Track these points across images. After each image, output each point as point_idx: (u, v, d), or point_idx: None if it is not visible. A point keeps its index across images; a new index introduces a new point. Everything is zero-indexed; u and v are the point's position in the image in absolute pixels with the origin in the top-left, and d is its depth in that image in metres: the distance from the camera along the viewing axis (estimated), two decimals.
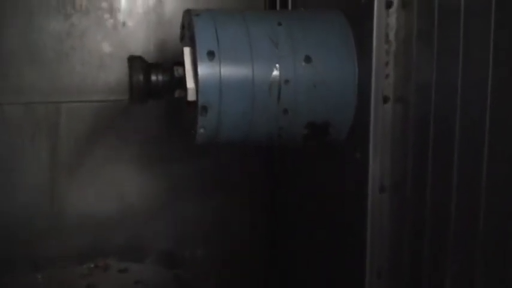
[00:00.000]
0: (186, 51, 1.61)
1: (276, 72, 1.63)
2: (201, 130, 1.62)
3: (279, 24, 1.66)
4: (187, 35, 1.64)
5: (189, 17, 1.62)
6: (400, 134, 1.62)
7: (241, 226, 2.67)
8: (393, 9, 1.60)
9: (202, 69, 1.60)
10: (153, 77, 1.64)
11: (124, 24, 2.49)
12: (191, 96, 1.60)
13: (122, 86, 2.30)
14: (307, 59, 1.65)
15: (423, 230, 1.57)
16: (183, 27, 1.70)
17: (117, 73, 2.46)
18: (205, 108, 1.60)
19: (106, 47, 2.48)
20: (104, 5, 2.46)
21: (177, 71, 1.64)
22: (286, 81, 1.63)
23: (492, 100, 1.30)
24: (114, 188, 2.56)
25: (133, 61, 1.64)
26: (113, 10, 2.47)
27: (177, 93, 1.66)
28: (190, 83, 1.61)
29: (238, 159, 2.56)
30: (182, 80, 1.64)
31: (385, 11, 1.60)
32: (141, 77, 1.62)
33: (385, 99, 1.62)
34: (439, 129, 1.48)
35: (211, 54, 1.60)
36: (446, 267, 1.48)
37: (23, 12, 2.37)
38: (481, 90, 1.32)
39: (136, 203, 2.59)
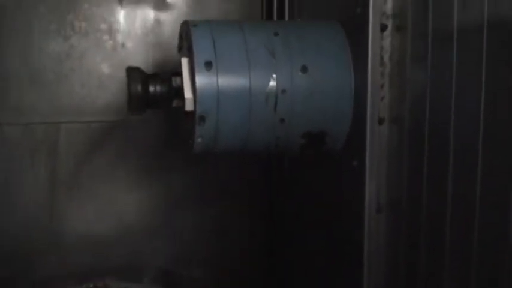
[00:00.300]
0: (184, 61, 1.59)
1: (272, 82, 1.60)
2: (199, 139, 1.59)
3: (276, 34, 1.64)
4: (185, 45, 1.61)
5: (186, 28, 1.59)
6: (395, 153, 1.61)
7: (239, 235, 2.62)
8: (387, 33, 1.60)
9: (200, 79, 1.57)
10: (151, 88, 1.61)
11: (123, 45, 2.46)
12: (189, 106, 1.57)
13: (121, 106, 2.25)
14: (304, 69, 1.62)
15: (419, 245, 1.55)
16: (181, 37, 1.67)
17: (116, 94, 2.44)
18: (203, 118, 1.57)
19: (105, 68, 2.45)
20: (103, 26, 2.44)
21: (175, 81, 1.61)
22: (283, 91, 1.61)
23: (485, 120, 1.30)
24: (112, 207, 2.52)
25: (132, 72, 1.60)
26: (111, 31, 2.45)
27: (175, 103, 1.62)
28: (188, 93, 1.58)
29: (237, 168, 2.51)
30: (180, 90, 1.61)
31: (379, 34, 1.59)
32: (139, 87, 1.58)
33: (381, 121, 1.60)
34: (433, 148, 1.48)
35: (208, 65, 1.58)
36: (442, 282, 1.47)
37: (23, 34, 2.36)
38: (473, 110, 1.32)
39: (134, 221, 2.55)
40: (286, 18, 2.19)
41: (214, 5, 2.50)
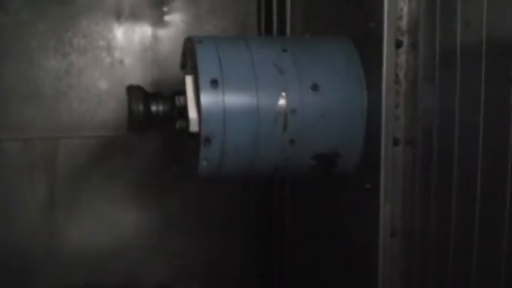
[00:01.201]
0: (188, 79, 1.38)
1: (282, 101, 1.40)
2: (204, 162, 1.40)
3: (284, 50, 1.45)
4: (189, 62, 1.39)
5: (191, 44, 1.38)
6: (410, 176, 1.43)
7: (235, 253, 2.49)
8: (403, 49, 1.40)
9: (205, 98, 1.37)
10: (153, 107, 1.41)
11: (121, 62, 2.32)
12: (193, 127, 1.37)
13: (119, 123, 2.22)
14: (315, 87, 1.43)
15: (429, 271, 1.39)
16: (184, 54, 1.44)
17: (114, 110, 2.31)
18: (208, 139, 1.38)
19: (103, 85, 2.32)
20: (102, 43, 2.31)
21: (179, 101, 1.40)
22: (293, 110, 1.41)
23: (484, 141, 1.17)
24: (110, 223, 2.38)
25: (133, 90, 1.39)
26: (110, 48, 2.32)
27: (178, 124, 1.41)
28: (192, 113, 1.39)
29: (234, 187, 2.39)
30: (184, 109, 1.42)
31: (394, 50, 1.39)
32: (140, 107, 1.37)
33: (396, 142, 1.42)
34: (440, 172, 1.33)
35: (214, 83, 1.38)
36: None
37: (23, 51, 2.24)
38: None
39: (132, 238, 2.41)
40: (288, 34, 1.94)
41: (211, 22, 2.35)
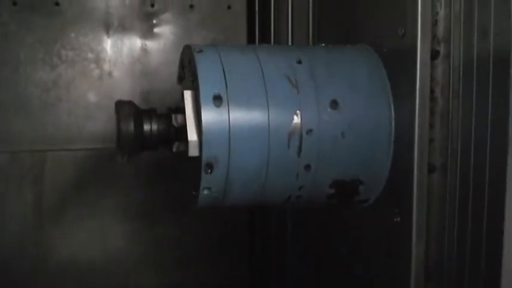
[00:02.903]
0: (187, 95, 1.04)
1: (296, 120, 1.04)
2: (205, 192, 1.07)
3: (299, 61, 1.12)
4: (188, 75, 1.01)
5: (189, 54, 0.99)
6: (448, 208, 1.03)
7: (226, 268, 2.13)
8: (439, 61, 1.03)
9: (207, 117, 1.00)
10: (146, 126, 1.05)
11: (110, 74, 2.04)
12: (193, 151, 1.05)
13: (107, 135, 1.89)
14: (334, 104, 1.07)
15: None
16: (182, 66, 1.04)
17: (102, 122, 2.01)
18: (210, 165, 1.02)
19: (92, 97, 2.03)
20: (90, 55, 2.03)
21: (176, 120, 1.04)
22: (309, 131, 1.05)
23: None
24: (98, 236, 2.08)
25: (122, 107, 0.99)
26: (99, 60, 2.03)
27: (175, 147, 1.08)
28: (192, 135, 1.03)
29: (225, 213, 1.93)
30: (182, 130, 1.05)
31: (429, 62, 1.01)
32: (131, 126, 1.00)
33: (431, 169, 1.04)
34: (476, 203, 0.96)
35: (218, 99, 1.02)
36: None
37: (11, 63, 1.96)
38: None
39: (120, 251, 2.10)
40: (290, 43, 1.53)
41: (201, 33, 2.07)
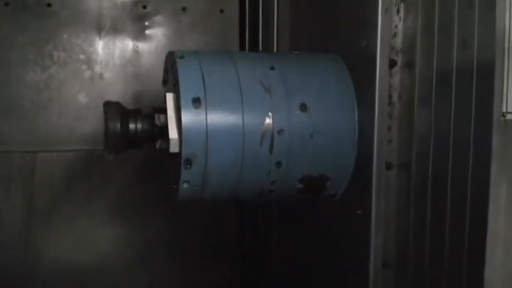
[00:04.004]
0: (169, 97, 1.20)
1: (268, 121, 1.22)
2: (185, 185, 1.22)
3: (272, 68, 1.27)
4: (171, 79, 1.20)
5: (172, 59, 1.17)
6: (404, 202, 1.22)
7: (214, 269, 2.29)
8: (396, 69, 1.21)
9: (186, 117, 1.18)
10: (132, 125, 1.22)
11: (101, 75, 2.18)
12: (174, 148, 1.20)
13: (98, 137, 1.96)
14: (303, 107, 1.24)
15: None
16: (166, 70, 1.24)
17: (93, 124, 2.14)
18: (189, 161, 1.18)
19: (83, 98, 2.17)
20: (82, 57, 2.17)
21: (159, 119, 1.21)
22: (280, 131, 1.22)
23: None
24: (88, 237, 2.21)
25: (110, 107, 1.17)
26: (90, 62, 2.17)
27: (158, 144, 1.23)
28: (173, 133, 1.20)
29: (212, 206, 2.09)
30: (164, 129, 1.22)
31: (387, 70, 1.20)
32: (118, 125, 1.18)
33: (388, 166, 1.22)
34: (435, 197, 1.14)
35: (196, 101, 1.19)
36: None
37: (1, 64, 2.10)
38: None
39: (110, 252, 2.24)
40: (275, 51, 1.74)
41: (193, 36, 2.22)
